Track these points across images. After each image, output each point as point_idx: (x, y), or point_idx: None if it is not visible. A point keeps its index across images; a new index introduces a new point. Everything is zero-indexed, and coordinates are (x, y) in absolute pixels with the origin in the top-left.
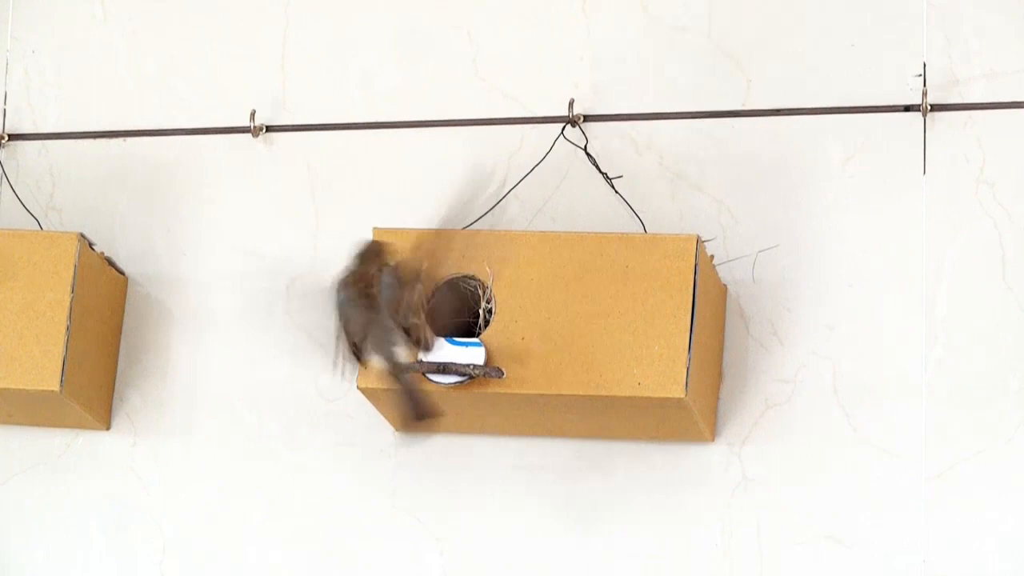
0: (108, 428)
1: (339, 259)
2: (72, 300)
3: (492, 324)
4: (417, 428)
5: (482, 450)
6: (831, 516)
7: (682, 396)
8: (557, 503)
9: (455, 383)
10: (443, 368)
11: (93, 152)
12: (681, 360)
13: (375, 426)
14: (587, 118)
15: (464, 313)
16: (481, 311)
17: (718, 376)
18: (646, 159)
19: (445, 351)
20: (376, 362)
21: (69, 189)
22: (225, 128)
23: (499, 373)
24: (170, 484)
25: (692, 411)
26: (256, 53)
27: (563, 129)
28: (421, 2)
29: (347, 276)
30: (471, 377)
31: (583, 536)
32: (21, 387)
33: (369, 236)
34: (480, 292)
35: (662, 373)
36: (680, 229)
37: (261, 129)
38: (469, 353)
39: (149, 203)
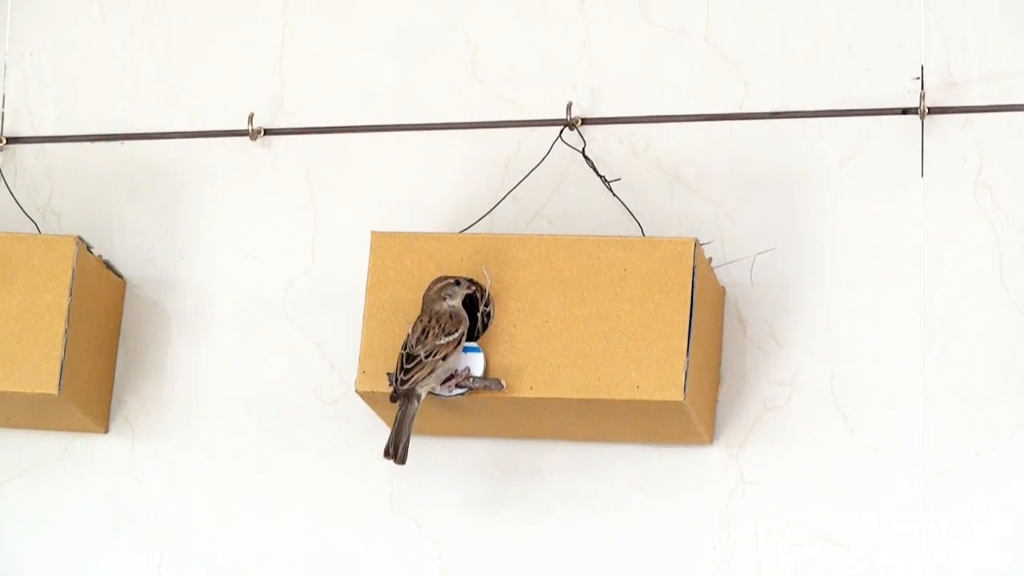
0: (106, 431)
1: (336, 261)
2: (70, 303)
3: (490, 328)
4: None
5: (480, 453)
6: (829, 518)
7: (680, 399)
8: (556, 506)
9: (456, 395)
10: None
11: (91, 155)
12: (679, 363)
13: (373, 429)
14: (585, 121)
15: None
16: (479, 314)
17: (716, 379)
18: (644, 162)
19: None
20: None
21: (67, 192)
22: (223, 131)
23: (499, 386)
24: (168, 487)
25: (690, 414)
26: (254, 56)
27: (561, 132)
28: (419, 5)
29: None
30: (471, 389)
31: (582, 539)
32: (19, 390)
33: (367, 239)
34: (478, 295)
35: (660, 376)
36: (678, 232)
37: (259, 132)
38: (468, 358)
39: (147, 206)
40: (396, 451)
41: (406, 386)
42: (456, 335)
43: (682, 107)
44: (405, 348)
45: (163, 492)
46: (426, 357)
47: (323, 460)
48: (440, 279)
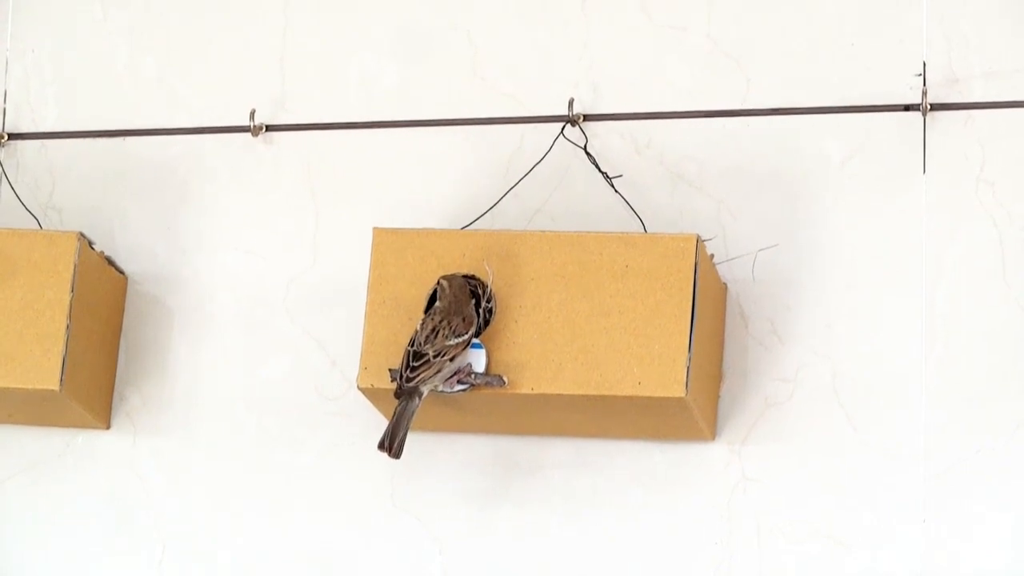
0: (108, 427)
1: (338, 258)
2: (72, 299)
3: (492, 324)
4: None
5: (482, 450)
6: (831, 515)
7: (682, 395)
8: (557, 502)
9: (457, 391)
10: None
11: (93, 151)
12: (681, 359)
13: (374, 427)
14: (587, 117)
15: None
16: (481, 311)
17: (718, 375)
18: (646, 158)
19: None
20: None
21: (69, 188)
22: (225, 127)
23: (500, 382)
24: (170, 483)
25: (692, 410)
26: (255, 52)
27: (563, 128)
28: (419, 4)
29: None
30: (472, 386)
31: (583, 535)
32: (21, 386)
33: (368, 237)
34: (480, 292)
35: (662, 372)
36: (680, 228)
37: (261, 128)
38: (470, 355)
39: (149, 202)
40: (391, 445)
41: (411, 383)
42: (466, 337)
43: (684, 104)
44: (412, 345)
45: (164, 489)
46: (434, 357)
47: (324, 458)
48: (452, 276)
